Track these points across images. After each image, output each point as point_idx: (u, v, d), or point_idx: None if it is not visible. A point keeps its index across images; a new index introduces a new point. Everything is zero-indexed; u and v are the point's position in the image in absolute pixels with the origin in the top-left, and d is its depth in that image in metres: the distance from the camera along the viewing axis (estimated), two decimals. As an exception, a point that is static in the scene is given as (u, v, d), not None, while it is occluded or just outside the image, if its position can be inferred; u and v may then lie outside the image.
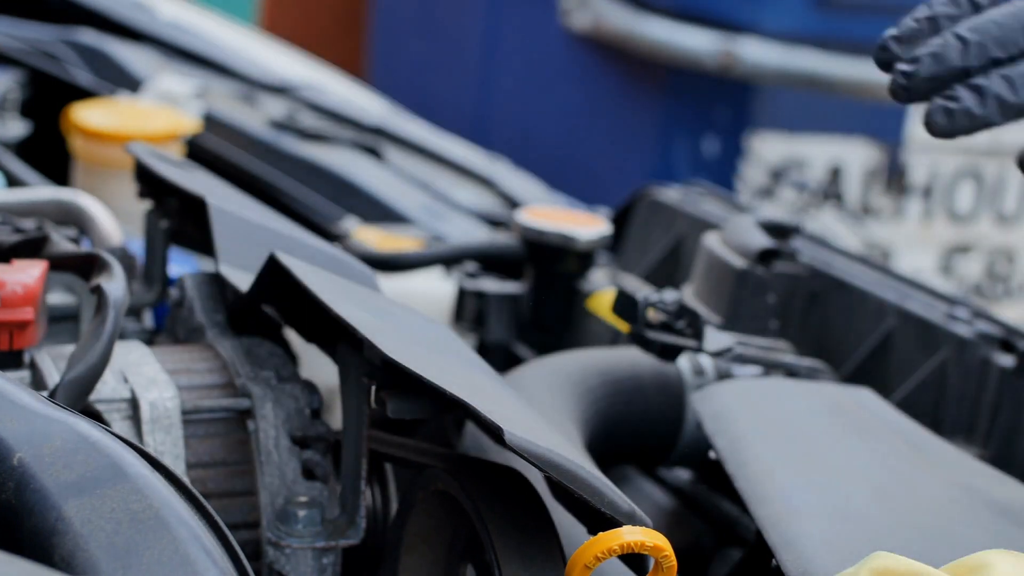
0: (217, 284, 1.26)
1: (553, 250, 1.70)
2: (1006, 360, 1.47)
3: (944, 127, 1.07)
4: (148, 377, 1.13)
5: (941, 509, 1.14)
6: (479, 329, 1.73)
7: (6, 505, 0.80)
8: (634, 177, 3.58)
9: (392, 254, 1.76)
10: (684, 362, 1.44)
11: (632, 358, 1.43)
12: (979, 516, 1.14)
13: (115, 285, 1.09)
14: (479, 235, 1.95)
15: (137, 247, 1.38)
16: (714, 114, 4.02)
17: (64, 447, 0.81)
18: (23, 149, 2.01)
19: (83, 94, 2.17)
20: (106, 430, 0.84)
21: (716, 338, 1.36)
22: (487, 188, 2.18)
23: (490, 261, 1.79)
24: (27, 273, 1.12)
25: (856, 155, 4.06)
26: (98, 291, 1.09)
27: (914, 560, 0.90)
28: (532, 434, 0.92)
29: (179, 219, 1.34)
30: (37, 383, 1.11)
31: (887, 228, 4.13)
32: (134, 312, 1.35)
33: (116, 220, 1.39)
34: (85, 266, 1.18)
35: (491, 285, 1.73)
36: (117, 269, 1.12)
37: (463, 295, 1.73)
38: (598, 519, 0.94)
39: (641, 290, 1.39)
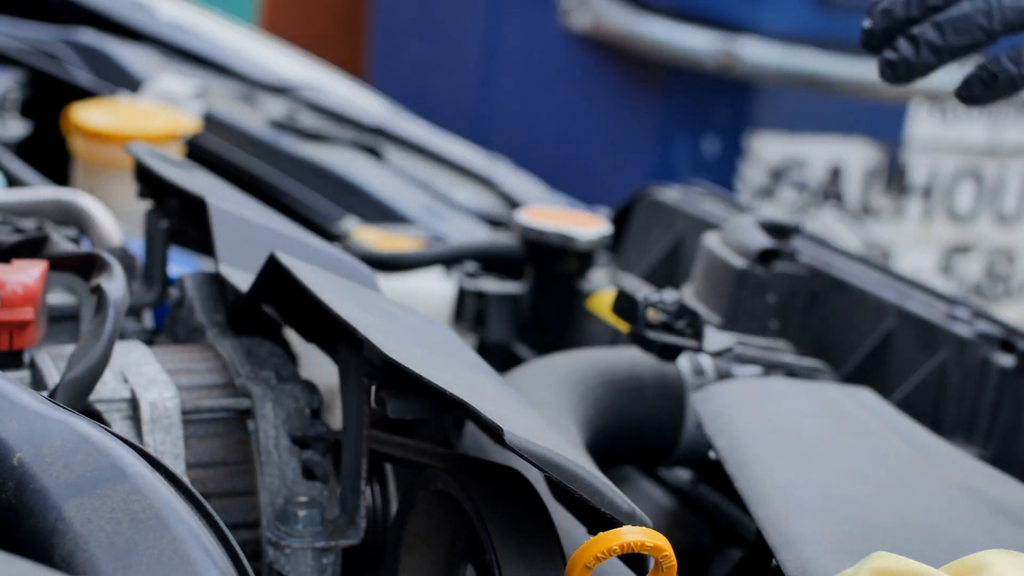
0: (217, 284, 1.26)
1: (553, 250, 1.70)
2: (1006, 360, 1.47)
3: (889, 77, 1.20)
4: (148, 377, 1.13)
5: (941, 509, 1.14)
6: (479, 329, 1.73)
7: (6, 505, 0.80)
8: (634, 177, 3.58)
9: (392, 254, 1.76)
10: (684, 362, 1.44)
11: (632, 358, 1.43)
12: (979, 516, 1.14)
13: (115, 285, 1.09)
14: (479, 235, 1.95)
15: (137, 247, 1.38)
16: (714, 114, 4.02)
17: (64, 447, 0.81)
18: (23, 149, 2.01)
19: (83, 94, 2.17)
20: (106, 430, 0.84)
21: (716, 338, 1.36)
22: (487, 188, 2.18)
23: (490, 261, 1.79)
24: (27, 273, 1.12)
25: (856, 155, 4.06)
26: (98, 291, 1.09)
27: (914, 560, 0.90)
28: (532, 434, 0.92)
29: (179, 219, 1.34)
30: (37, 383, 1.11)
31: (887, 228, 4.13)
32: (134, 312, 1.35)
33: (116, 220, 1.39)
34: (85, 266, 1.18)
35: (491, 285, 1.73)
36: (117, 269, 1.12)
37: (463, 295, 1.73)
38: (598, 519, 0.94)
39: (641, 290, 1.39)
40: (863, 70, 3.79)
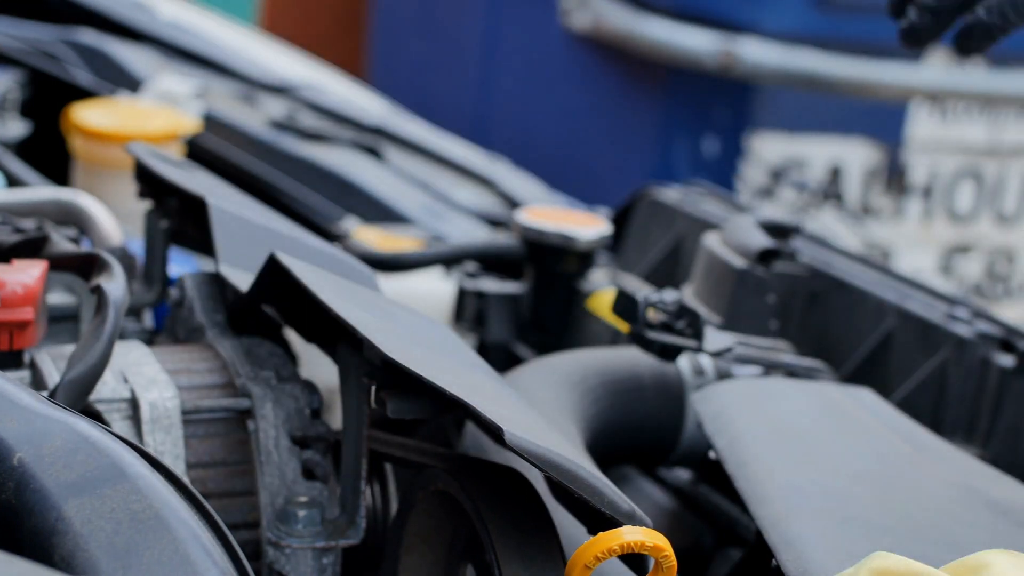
0: (217, 284, 1.26)
1: (553, 250, 1.70)
2: (1006, 360, 1.47)
3: (904, 42, 1.35)
4: (148, 377, 1.13)
5: (941, 509, 1.14)
6: (479, 329, 1.73)
7: (6, 505, 0.80)
8: (634, 177, 3.58)
9: (392, 254, 1.76)
10: (684, 362, 1.44)
11: (632, 358, 1.43)
12: (979, 516, 1.14)
13: (115, 285, 1.09)
14: (479, 235, 1.95)
15: (137, 247, 1.38)
16: (714, 114, 4.02)
17: (64, 447, 0.81)
18: (23, 149, 2.01)
19: (83, 94, 2.17)
20: (106, 430, 0.84)
21: (716, 338, 1.36)
22: (487, 188, 2.18)
23: (490, 261, 1.79)
24: (27, 273, 1.12)
25: (856, 155, 4.06)
26: (98, 291, 1.09)
27: (914, 560, 0.90)
28: (532, 434, 0.92)
29: (179, 219, 1.34)
30: (37, 383, 1.11)
31: (887, 228, 4.13)
32: (134, 312, 1.35)
33: (116, 220, 1.39)
34: (85, 266, 1.18)
35: (491, 285, 1.73)
36: (117, 269, 1.12)
37: (463, 295, 1.73)
38: (598, 519, 0.94)
39: (641, 290, 1.39)
40: (863, 70, 3.79)
